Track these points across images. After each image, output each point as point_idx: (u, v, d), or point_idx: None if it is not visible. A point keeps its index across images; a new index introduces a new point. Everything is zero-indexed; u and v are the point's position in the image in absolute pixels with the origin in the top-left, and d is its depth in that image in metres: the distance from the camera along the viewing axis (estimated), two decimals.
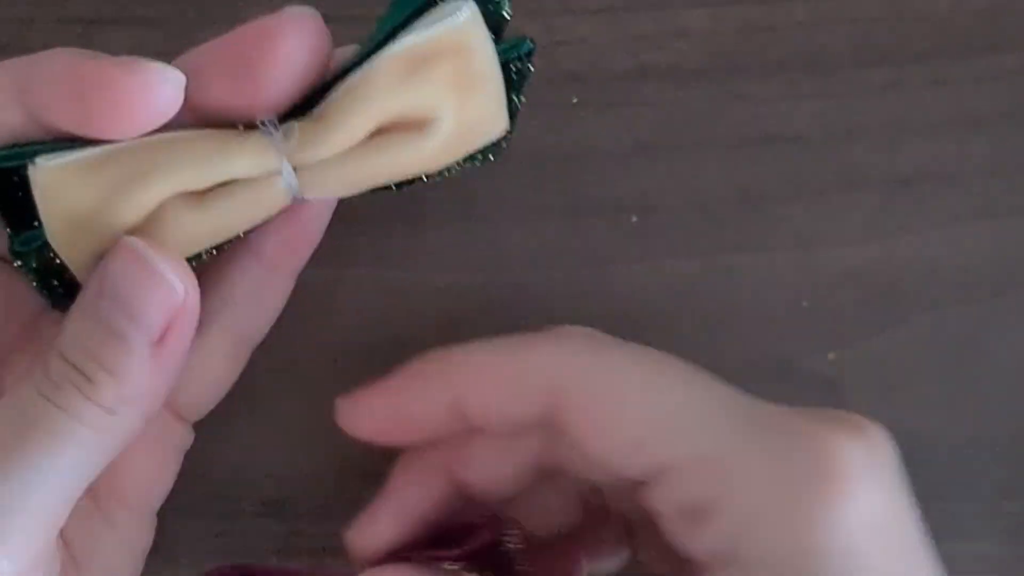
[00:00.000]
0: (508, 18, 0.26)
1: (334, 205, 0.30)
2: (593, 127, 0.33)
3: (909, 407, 0.33)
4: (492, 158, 0.27)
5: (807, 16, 0.34)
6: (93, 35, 0.34)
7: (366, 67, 0.24)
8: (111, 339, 0.24)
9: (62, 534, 0.25)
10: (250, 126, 0.25)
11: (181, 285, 0.24)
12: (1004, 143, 0.34)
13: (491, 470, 0.27)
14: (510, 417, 0.26)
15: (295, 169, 0.25)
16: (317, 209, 0.29)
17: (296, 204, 0.26)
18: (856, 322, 0.33)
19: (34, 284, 0.25)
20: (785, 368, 0.33)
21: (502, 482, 0.27)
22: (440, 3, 0.25)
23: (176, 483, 0.30)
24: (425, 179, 0.26)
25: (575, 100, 0.33)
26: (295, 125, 0.25)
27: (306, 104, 0.25)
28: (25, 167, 0.24)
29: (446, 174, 0.26)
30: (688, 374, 0.25)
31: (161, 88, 0.24)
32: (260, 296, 0.29)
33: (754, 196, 0.33)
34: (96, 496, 0.27)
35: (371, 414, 0.27)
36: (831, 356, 0.33)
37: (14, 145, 0.24)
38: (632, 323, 0.32)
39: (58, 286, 0.25)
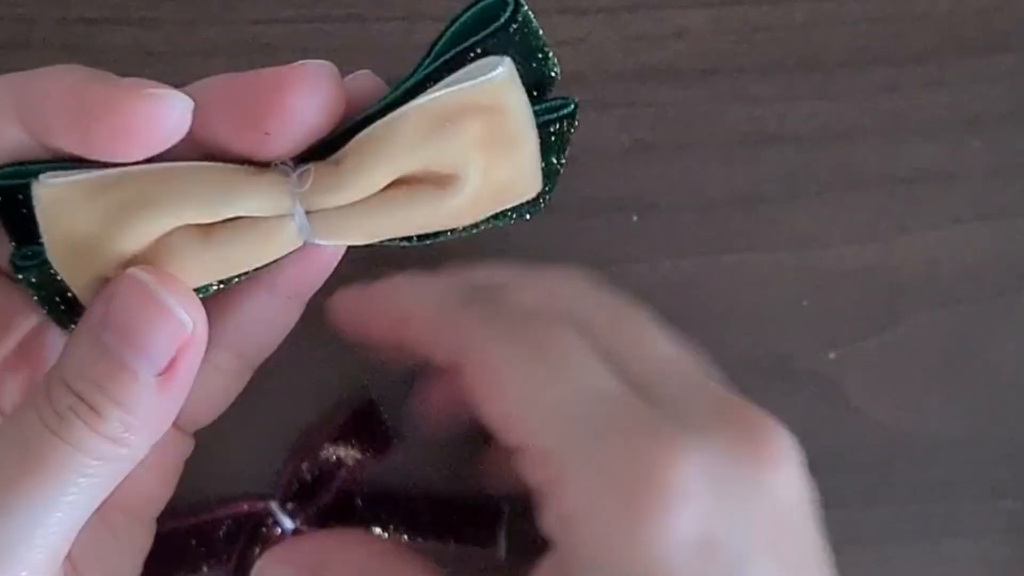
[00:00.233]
0: (556, 78, 0.25)
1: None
2: (593, 127, 0.33)
3: (909, 407, 0.33)
4: (527, 217, 0.26)
5: (806, 17, 0.34)
6: (94, 35, 0.34)
7: (391, 116, 0.23)
8: (118, 369, 0.23)
9: None
10: (265, 163, 0.24)
11: (189, 319, 0.23)
12: (1004, 143, 0.34)
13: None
14: (426, 351, 0.28)
15: (308, 212, 0.24)
16: (331, 250, 0.28)
17: (309, 247, 0.25)
18: (856, 322, 0.33)
19: (36, 299, 0.25)
20: (785, 367, 0.33)
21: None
22: (476, 57, 0.24)
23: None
24: (450, 234, 0.25)
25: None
26: (311, 168, 0.24)
27: (327, 146, 0.24)
28: (29, 185, 0.23)
29: (472, 231, 0.25)
30: (585, 367, 0.26)
31: (168, 113, 0.23)
32: (269, 323, 0.29)
33: (754, 196, 0.33)
34: (99, 508, 0.27)
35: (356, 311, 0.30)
36: (831, 355, 0.33)
37: (18, 163, 0.24)
38: None
39: (60, 303, 0.25)
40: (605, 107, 0.33)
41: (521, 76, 0.24)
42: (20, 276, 0.24)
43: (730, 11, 0.34)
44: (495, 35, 0.24)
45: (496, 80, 0.23)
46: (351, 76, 0.25)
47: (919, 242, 0.33)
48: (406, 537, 0.32)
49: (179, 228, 0.24)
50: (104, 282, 0.24)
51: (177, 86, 0.23)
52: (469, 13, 0.24)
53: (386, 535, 0.32)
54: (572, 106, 0.25)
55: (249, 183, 0.24)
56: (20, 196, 0.24)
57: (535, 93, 0.24)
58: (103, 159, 0.23)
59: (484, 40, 0.24)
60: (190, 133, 0.24)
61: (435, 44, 0.24)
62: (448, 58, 0.24)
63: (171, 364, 0.24)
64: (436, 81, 0.24)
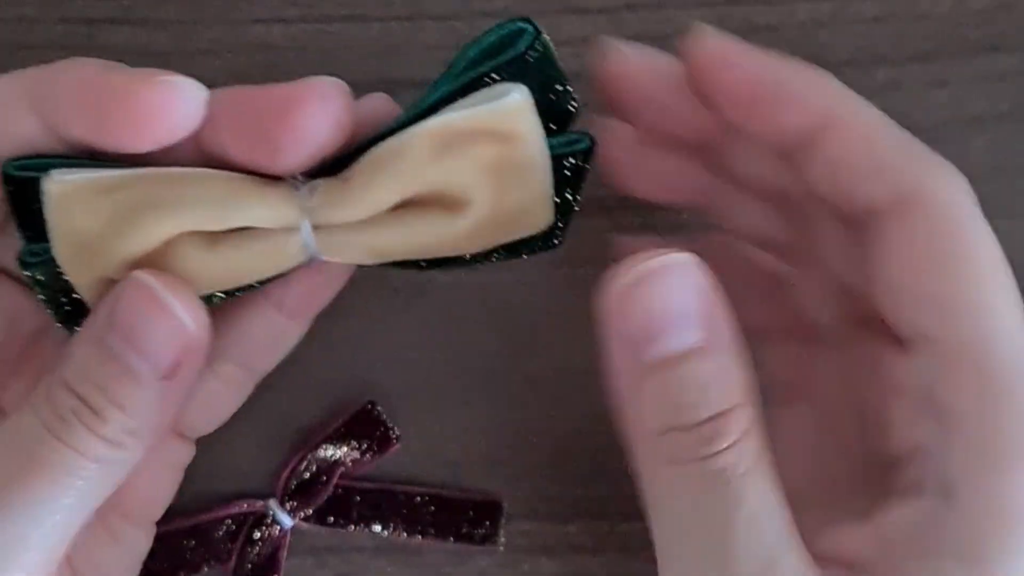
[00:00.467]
0: (574, 111, 0.24)
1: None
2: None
3: None
4: (540, 252, 0.25)
5: (808, 16, 0.34)
6: (96, 35, 0.34)
7: (401, 136, 0.23)
8: (121, 372, 0.23)
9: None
10: (275, 176, 0.24)
11: (193, 323, 0.24)
12: (1004, 143, 0.34)
13: (750, 167, 0.27)
14: (785, 127, 0.26)
15: (315, 228, 0.24)
16: (338, 267, 0.28)
17: (315, 263, 0.25)
18: None
19: (41, 298, 0.25)
20: None
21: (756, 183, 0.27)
22: (492, 83, 0.23)
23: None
24: (460, 262, 0.25)
25: None
26: (320, 183, 0.24)
27: (338, 164, 0.24)
28: (40, 179, 0.23)
29: (484, 261, 0.25)
30: None
31: (183, 100, 0.23)
32: (275, 338, 0.29)
33: None
34: (99, 511, 0.27)
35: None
36: None
37: (33, 156, 0.24)
38: None
39: (65, 303, 0.25)
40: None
41: (538, 106, 0.23)
42: (27, 273, 0.24)
43: (732, 11, 0.34)
44: (513, 63, 0.23)
45: (510, 106, 0.23)
46: (366, 97, 0.25)
47: None
48: (406, 534, 0.32)
49: (186, 234, 0.24)
50: (108, 283, 0.24)
51: None
52: (488, 38, 0.24)
53: (386, 532, 0.32)
54: (589, 143, 0.24)
55: (258, 193, 0.24)
56: (34, 189, 0.24)
57: (552, 126, 0.24)
58: (118, 148, 0.23)
59: (501, 67, 0.23)
60: (199, 143, 0.24)
61: (452, 66, 0.24)
62: (464, 82, 0.23)
63: (173, 368, 0.24)
64: (449, 104, 0.23)
